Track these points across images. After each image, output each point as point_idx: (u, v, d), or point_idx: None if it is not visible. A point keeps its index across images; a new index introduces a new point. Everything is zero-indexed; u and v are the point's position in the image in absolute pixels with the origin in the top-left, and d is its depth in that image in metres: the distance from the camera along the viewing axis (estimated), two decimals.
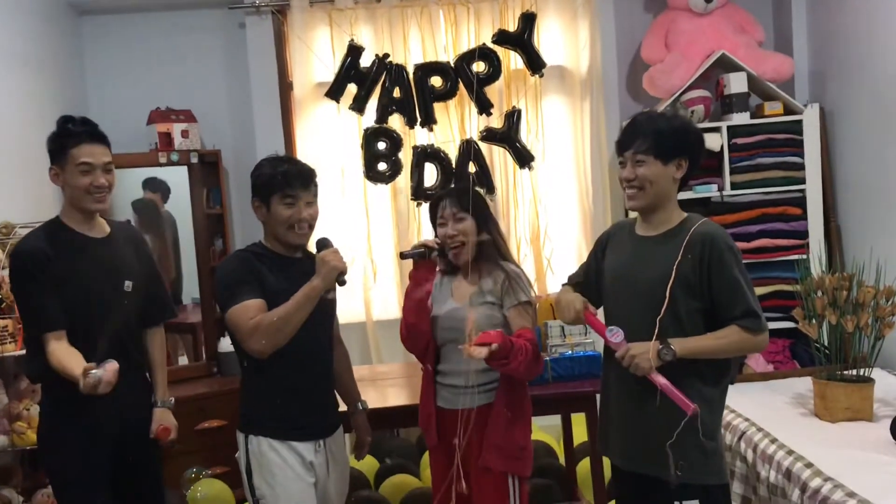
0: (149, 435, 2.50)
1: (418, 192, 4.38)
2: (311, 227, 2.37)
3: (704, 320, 2.18)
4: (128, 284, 2.44)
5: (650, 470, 2.19)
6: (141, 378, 2.55)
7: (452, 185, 3.43)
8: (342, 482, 2.53)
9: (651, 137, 2.17)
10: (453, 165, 4.36)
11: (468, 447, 2.36)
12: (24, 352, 2.92)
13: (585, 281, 2.45)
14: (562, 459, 3.97)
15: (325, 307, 2.32)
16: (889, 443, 2.92)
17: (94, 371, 2.06)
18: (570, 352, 3.20)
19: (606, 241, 2.42)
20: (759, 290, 4.32)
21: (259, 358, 2.21)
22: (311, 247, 2.41)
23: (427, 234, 3.80)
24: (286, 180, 2.29)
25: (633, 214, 2.42)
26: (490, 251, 2.46)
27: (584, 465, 3.70)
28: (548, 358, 3.14)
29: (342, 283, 2.24)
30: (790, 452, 2.97)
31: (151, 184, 4.43)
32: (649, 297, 2.17)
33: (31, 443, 2.95)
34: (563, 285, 2.50)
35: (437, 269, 2.55)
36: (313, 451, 2.35)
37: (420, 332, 2.49)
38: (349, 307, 4.46)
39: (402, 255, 2.50)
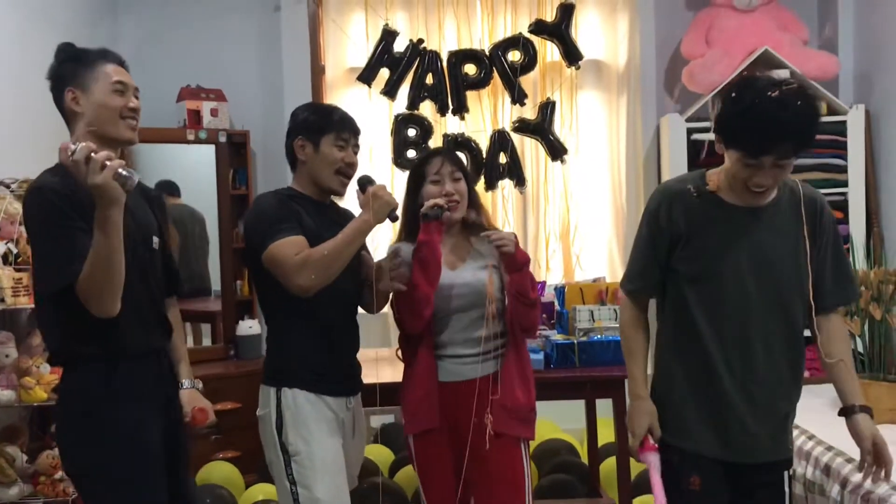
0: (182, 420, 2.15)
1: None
2: (350, 178, 2.29)
3: None
4: (156, 241, 2.12)
5: (765, 456, 2.09)
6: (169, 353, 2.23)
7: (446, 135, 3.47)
8: (361, 448, 2.45)
9: (799, 141, 1.84)
10: (484, 155, 4.27)
11: (476, 417, 2.27)
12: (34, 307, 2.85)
13: (648, 284, 2.14)
14: (584, 458, 3.83)
15: (355, 266, 2.24)
16: None
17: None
18: (599, 336, 3.08)
19: (671, 223, 2.03)
20: None
21: (303, 296, 2.09)
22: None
23: None
24: (342, 122, 2.25)
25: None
26: (476, 212, 2.42)
27: (606, 465, 3.57)
28: (576, 341, 3.03)
29: (394, 218, 2.19)
30: (829, 448, 2.83)
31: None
32: (786, 281, 2.00)
33: (38, 399, 2.88)
34: (625, 298, 2.17)
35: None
36: (345, 408, 2.26)
37: (429, 301, 2.27)
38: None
39: (426, 217, 2.27)
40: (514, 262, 2.26)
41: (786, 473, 2.16)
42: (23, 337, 3.01)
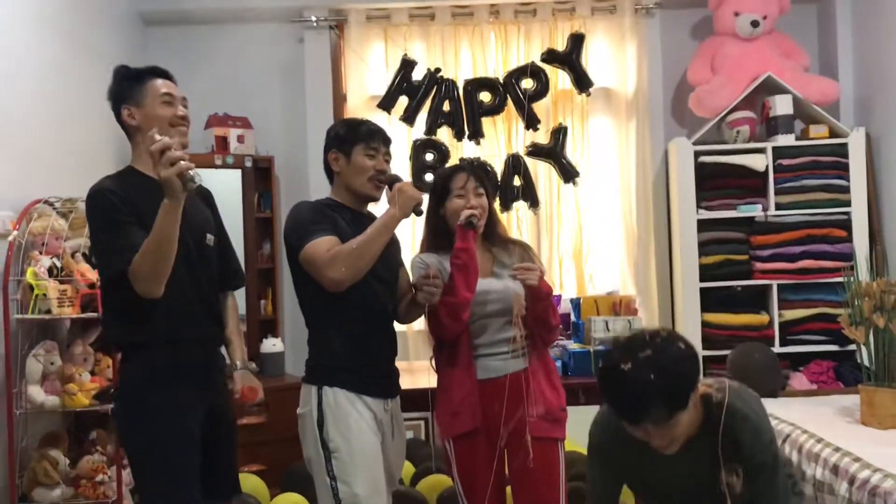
0: (229, 403, 2.34)
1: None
2: (384, 183, 2.40)
3: None
4: (210, 238, 2.30)
5: None
6: (222, 342, 2.41)
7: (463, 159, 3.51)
8: (402, 451, 2.51)
9: (659, 408, 1.86)
10: (499, 178, 4.45)
11: (513, 416, 2.37)
12: (90, 314, 3.03)
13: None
14: None
15: (389, 266, 2.38)
16: None
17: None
18: (581, 349, 3.21)
19: (609, 460, 2.17)
20: (802, 313, 4.34)
21: (335, 290, 2.19)
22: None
23: None
24: (370, 133, 2.37)
25: None
26: (495, 226, 2.55)
27: None
28: (592, 349, 3.16)
29: (419, 213, 2.30)
30: (837, 449, 2.92)
31: None
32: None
33: (80, 405, 3.01)
34: None
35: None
36: (383, 409, 2.34)
37: (467, 305, 2.38)
38: None
39: (469, 225, 2.38)
40: (537, 293, 2.36)
41: None
42: (65, 347, 3.16)
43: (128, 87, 2.23)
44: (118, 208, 2.07)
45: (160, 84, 2.23)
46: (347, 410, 2.24)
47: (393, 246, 2.43)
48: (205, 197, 2.42)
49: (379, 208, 2.52)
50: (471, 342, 2.44)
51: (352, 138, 2.36)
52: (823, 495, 2.92)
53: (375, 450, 2.27)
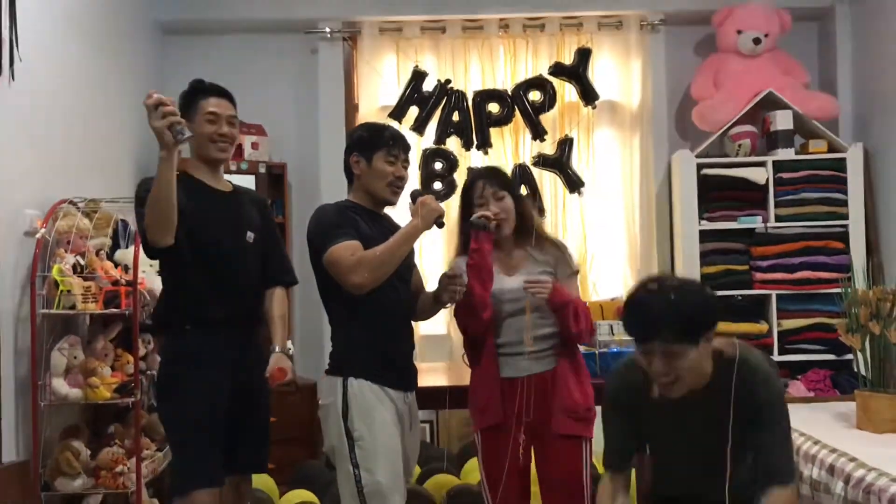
0: (263, 390, 2.53)
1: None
2: (401, 189, 2.52)
3: None
4: (250, 236, 2.51)
5: None
6: (262, 334, 2.59)
7: (471, 169, 3.60)
8: (417, 441, 2.59)
9: (672, 328, 1.91)
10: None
11: (536, 415, 2.45)
12: (113, 310, 3.20)
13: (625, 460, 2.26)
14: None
15: (407, 264, 2.49)
16: None
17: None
18: (617, 348, 3.31)
19: (623, 410, 2.20)
20: (800, 323, 4.43)
21: (357, 294, 2.30)
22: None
23: None
24: (392, 139, 2.47)
25: None
26: (528, 224, 2.58)
27: None
28: (597, 352, 3.26)
29: (441, 225, 2.39)
30: (833, 450, 3.01)
31: None
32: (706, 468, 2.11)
33: (102, 398, 3.12)
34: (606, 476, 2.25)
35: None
36: (403, 401, 2.43)
37: (486, 304, 2.49)
38: None
39: (473, 226, 2.50)
40: (552, 306, 2.44)
41: None
42: (87, 342, 3.27)
43: (184, 104, 2.48)
44: (149, 189, 2.27)
45: (206, 104, 2.46)
46: (371, 401, 2.34)
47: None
48: (259, 204, 2.66)
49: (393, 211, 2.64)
50: (495, 340, 2.54)
51: (374, 144, 2.46)
52: (820, 494, 3.02)
53: (396, 440, 2.36)
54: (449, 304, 2.54)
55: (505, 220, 2.53)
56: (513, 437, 2.47)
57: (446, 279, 2.48)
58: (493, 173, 2.65)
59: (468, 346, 2.63)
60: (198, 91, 2.48)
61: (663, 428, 2.16)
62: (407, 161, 2.54)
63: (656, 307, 1.92)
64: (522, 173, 4.59)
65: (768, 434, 2.07)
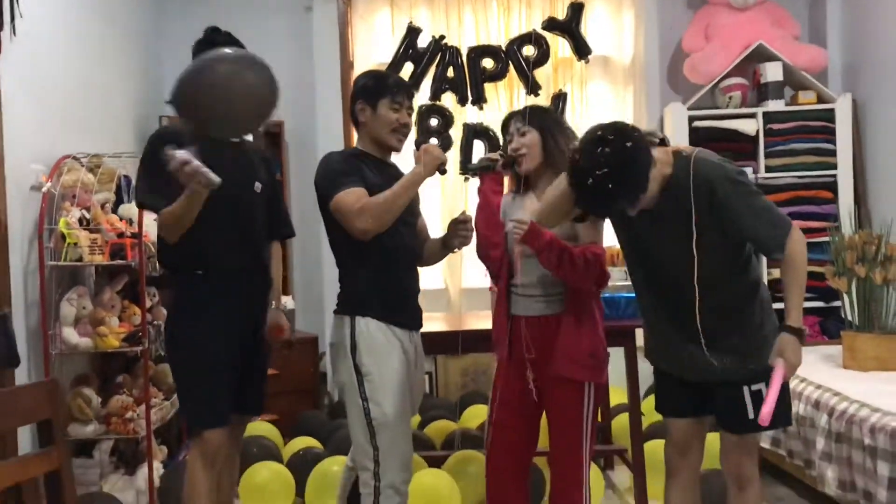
0: (266, 339, 2.64)
1: (466, 167, 4.63)
2: (406, 136, 2.56)
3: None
4: (258, 186, 2.60)
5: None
6: (268, 280, 2.68)
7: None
8: (422, 379, 2.67)
9: (624, 199, 2.09)
10: (500, 142, 4.61)
11: (541, 356, 2.47)
12: (118, 262, 3.25)
13: None
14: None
15: (412, 210, 2.56)
16: None
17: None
18: (609, 294, 3.39)
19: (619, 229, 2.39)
20: None
21: (363, 239, 2.36)
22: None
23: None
24: (396, 86, 2.52)
25: None
26: (558, 163, 2.47)
27: (619, 420, 3.87)
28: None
29: (443, 171, 2.46)
30: (818, 387, 3.15)
31: None
32: (674, 271, 2.25)
33: (111, 346, 3.21)
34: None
35: (503, 184, 2.60)
36: (409, 340, 2.51)
37: (493, 243, 2.52)
38: None
39: (468, 169, 2.58)
40: (532, 248, 2.36)
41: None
42: (93, 294, 3.35)
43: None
44: (155, 152, 2.35)
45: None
46: (378, 338, 2.42)
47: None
48: (266, 159, 2.77)
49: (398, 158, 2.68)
50: (508, 279, 2.56)
51: (379, 91, 2.49)
52: (805, 429, 3.15)
53: (403, 376, 2.44)
54: (458, 249, 2.61)
55: (525, 155, 2.50)
56: (503, 368, 2.54)
57: (455, 224, 2.55)
58: (525, 110, 2.58)
59: (493, 279, 2.71)
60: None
61: (646, 237, 2.27)
62: (411, 108, 2.58)
63: (602, 198, 2.08)
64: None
65: (742, 216, 2.13)
